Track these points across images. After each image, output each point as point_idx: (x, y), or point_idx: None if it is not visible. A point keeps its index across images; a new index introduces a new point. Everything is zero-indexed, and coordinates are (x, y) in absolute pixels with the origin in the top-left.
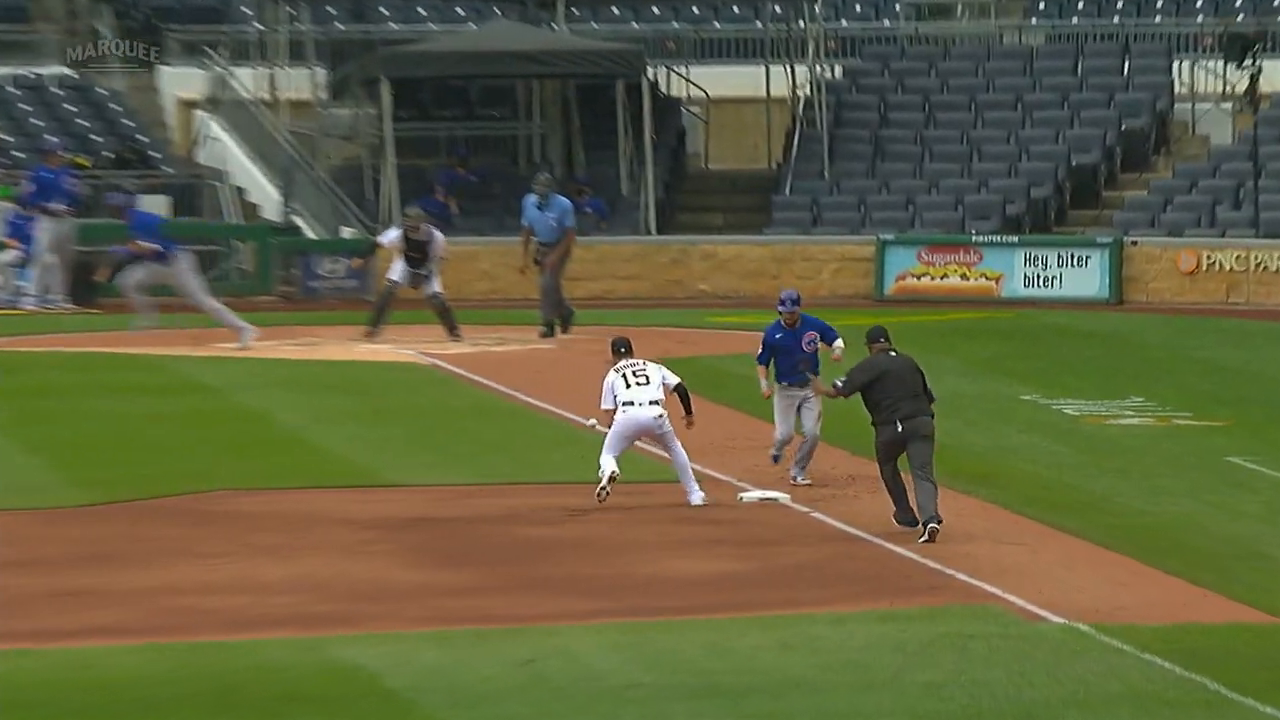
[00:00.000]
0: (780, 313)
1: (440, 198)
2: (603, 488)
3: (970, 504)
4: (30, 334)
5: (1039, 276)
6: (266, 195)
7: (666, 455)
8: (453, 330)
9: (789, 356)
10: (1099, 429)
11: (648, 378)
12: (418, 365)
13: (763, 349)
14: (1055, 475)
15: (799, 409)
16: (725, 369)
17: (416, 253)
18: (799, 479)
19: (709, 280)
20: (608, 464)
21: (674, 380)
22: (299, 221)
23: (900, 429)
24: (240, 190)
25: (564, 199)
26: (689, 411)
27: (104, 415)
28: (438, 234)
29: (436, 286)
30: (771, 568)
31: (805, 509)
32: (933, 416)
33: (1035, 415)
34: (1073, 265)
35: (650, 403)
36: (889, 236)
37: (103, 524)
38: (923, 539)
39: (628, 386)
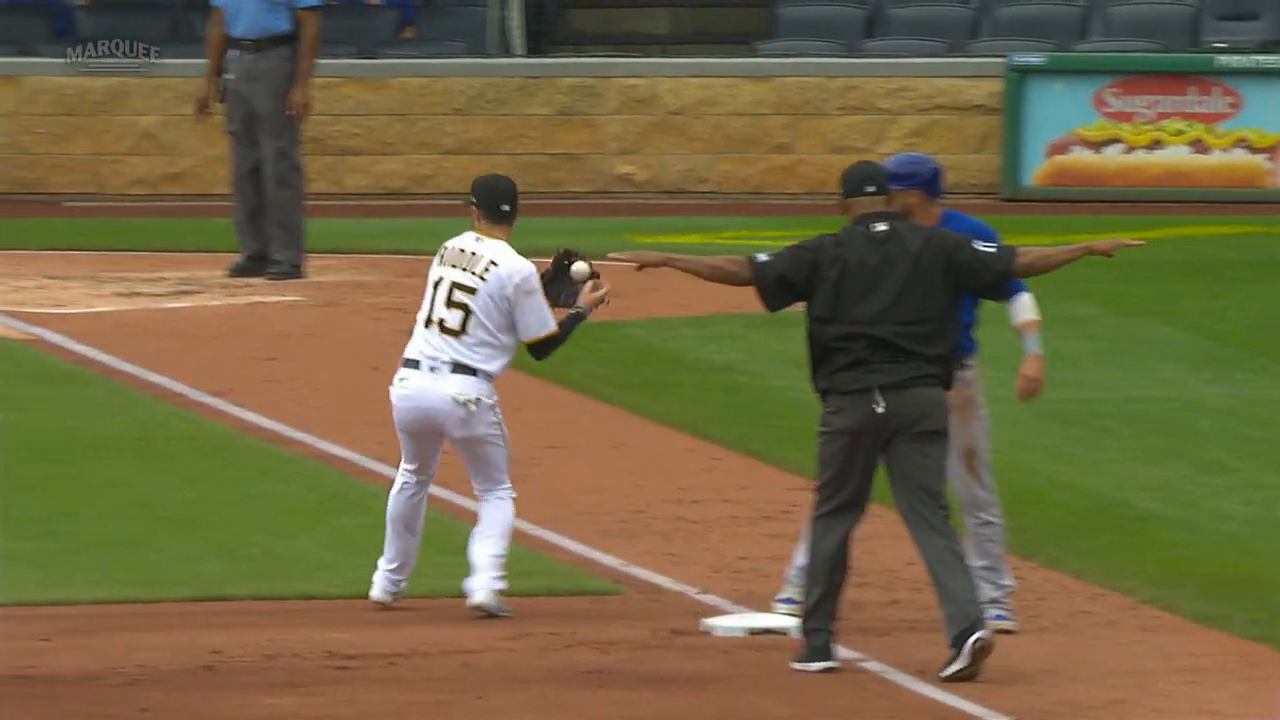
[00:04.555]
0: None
1: None
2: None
3: (1214, 645)
4: None
5: None
6: None
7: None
8: None
9: None
10: None
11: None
12: (5, 342)
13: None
14: None
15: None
16: (675, 348)
17: None
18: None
19: (638, 154)
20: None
21: (546, 332)
22: None
23: (881, 407)
24: None
25: None
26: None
27: None
28: None
29: None
30: None
31: (853, 653)
32: (948, 383)
33: None
34: None
35: (449, 366)
36: (1034, 59)
37: None
38: (951, 670)
39: (425, 324)
